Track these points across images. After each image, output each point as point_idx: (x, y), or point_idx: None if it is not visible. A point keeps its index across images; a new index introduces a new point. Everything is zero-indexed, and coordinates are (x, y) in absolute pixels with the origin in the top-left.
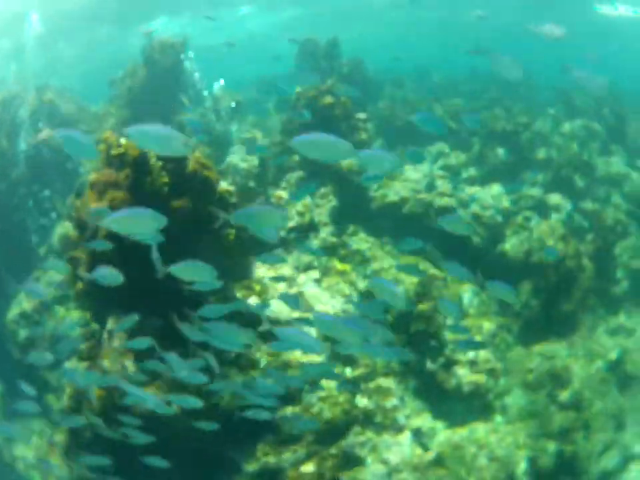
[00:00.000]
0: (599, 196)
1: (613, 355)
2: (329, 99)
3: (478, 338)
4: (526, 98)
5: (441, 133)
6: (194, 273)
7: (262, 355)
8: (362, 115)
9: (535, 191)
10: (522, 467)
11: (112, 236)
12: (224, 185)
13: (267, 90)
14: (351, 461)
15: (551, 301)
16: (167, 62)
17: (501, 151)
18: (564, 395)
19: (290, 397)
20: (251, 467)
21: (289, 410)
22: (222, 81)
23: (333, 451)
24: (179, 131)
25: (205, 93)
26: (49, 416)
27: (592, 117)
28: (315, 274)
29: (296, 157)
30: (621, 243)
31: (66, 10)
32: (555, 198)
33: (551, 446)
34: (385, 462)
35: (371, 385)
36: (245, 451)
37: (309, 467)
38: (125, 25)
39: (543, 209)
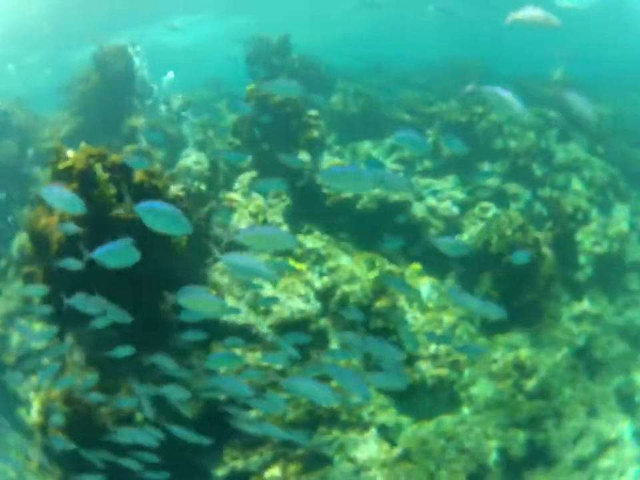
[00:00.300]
0: (558, 183)
1: (580, 342)
2: (279, 97)
3: (437, 332)
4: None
5: (423, 152)
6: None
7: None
8: (313, 112)
9: (492, 181)
10: (492, 457)
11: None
12: (174, 190)
13: (217, 90)
14: (319, 461)
15: (512, 290)
16: (119, 65)
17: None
18: (530, 384)
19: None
20: (220, 472)
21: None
22: (170, 74)
23: (300, 452)
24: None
25: (155, 87)
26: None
27: (550, 105)
28: None
29: (249, 159)
30: (583, 229)
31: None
32: (513, 187)
33: (521, 435)
34: (352, 460)
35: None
36: (212, 457)
37: (274, 471)
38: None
39: (501, 199)
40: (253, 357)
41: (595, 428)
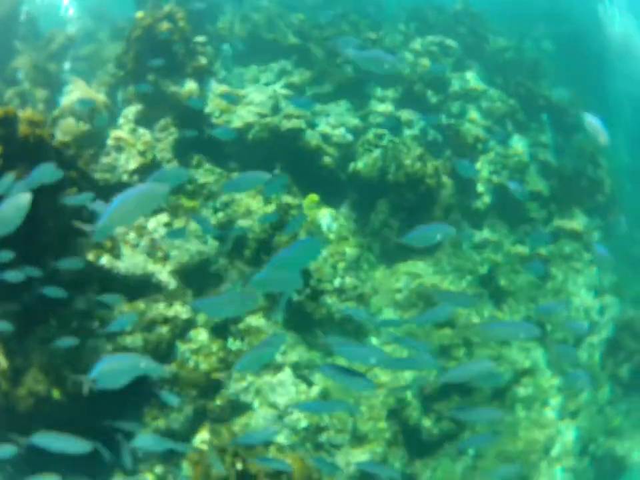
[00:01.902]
0: (453, 112)
1: (484, 269)
2: (166, 25)
3: (341, 265)
4: (375, 15)
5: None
6: None
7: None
8: (201, 39)
9: (384, 107)
10: (410, 391)
11: None
12: (59, 137)
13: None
14: (239, 408)
15: (411, 219)
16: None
17: (347, 68)
18: None
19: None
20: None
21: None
22: (71, 10)
23: (218, 402)
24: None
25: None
26: None
27: (447, 34)
28: (164, 217)
29: (132, 90)
30: (482, 158)
31: None
32: (406, 114)
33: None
34: (273, 405)
35: (241, 325)
36: (134, 420)
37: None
38: None
39: (394, 125)
40: (157, 308)
41: (508, 357)
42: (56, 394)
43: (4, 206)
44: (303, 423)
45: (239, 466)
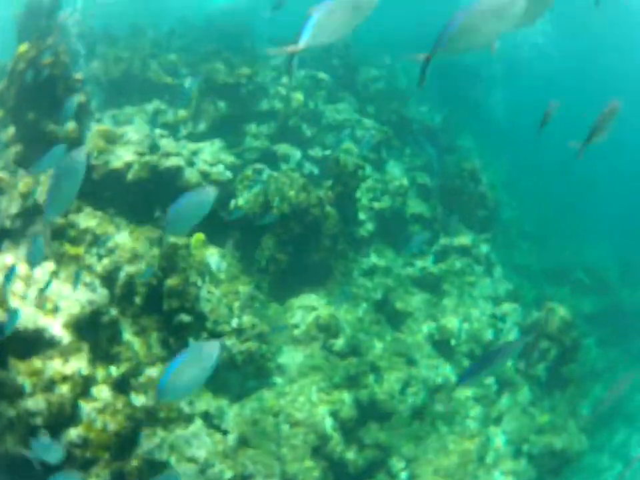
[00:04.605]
0: (328, 143)
1: (377, 295)
2: (49, 59)
3: (236, 304)
4: (249, 50)
5: None
6: None
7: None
8: (79, 75)
9: (260, 143)
10: (328, 423)
11: None
12: None
13: None
14: (156, 467)
15: (299, 252)
16: None
17: (221, 105)
18: (339, 343)
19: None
20: None
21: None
22: None
23: (134, 463)
24: None
25: None
26: None
27: (320, 67)
28: (50, 265)
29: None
30: (361, 185)
31: None
32: (283, 148)
33: (346, 395)
34: (191, 459)
35: (142, 379)
36: None
37: None
38: None
39: (271, 160)
40: (54, 366)
41: (419, 376)
42: None
43: None
44: (228, 474)
45: None
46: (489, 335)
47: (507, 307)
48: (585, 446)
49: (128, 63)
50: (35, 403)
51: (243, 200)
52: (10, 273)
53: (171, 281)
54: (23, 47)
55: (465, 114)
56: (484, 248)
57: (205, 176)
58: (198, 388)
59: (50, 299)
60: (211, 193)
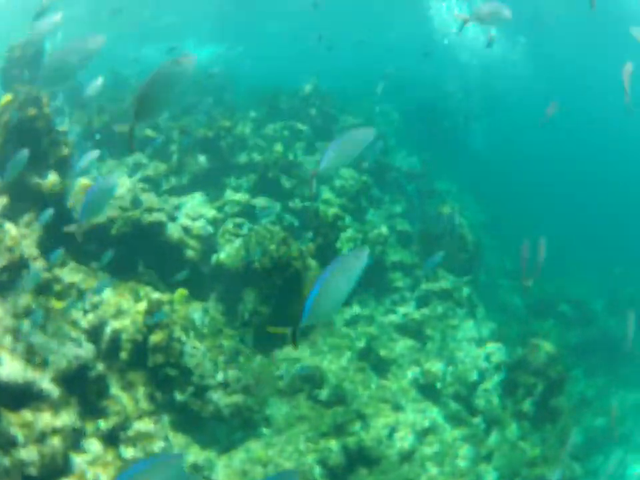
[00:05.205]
0: (307, 194)
1: (361, 343)
2: (33, 111)
3: (221, 358)
4: (228, 101)
5: None
6: None
7: None
8: (63, 127)
9: (240, 196)
10: (316, 471)
11: None
12: None
13: None
14: None
15: (281, 304)
16: None
17: (202, 158)
18: (325, 393)
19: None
20: None
21: None
22: None
23: None
24: None
25: None
26: None
27: (299, 118)
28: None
29: None
30: (341, 235)
31: None
32: (261, 201)
33: (334, 443)
34: None
35: (130, 432)
36: None
37: None
38: None
39: (250, 213)
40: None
41: (406, 421)
42: None
43: None
44: None
45: None
46: (474, 375)
47: (491, 346)
48: (579, 473)
49: (110, 114)
50: (28, 453)
51: (224, 254)
52: None
53: (155, 337)
54: (7, 97)
55: (444, 156)
56: (465, 290)
57: (187, 231)
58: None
59: (38, 353)
60: None
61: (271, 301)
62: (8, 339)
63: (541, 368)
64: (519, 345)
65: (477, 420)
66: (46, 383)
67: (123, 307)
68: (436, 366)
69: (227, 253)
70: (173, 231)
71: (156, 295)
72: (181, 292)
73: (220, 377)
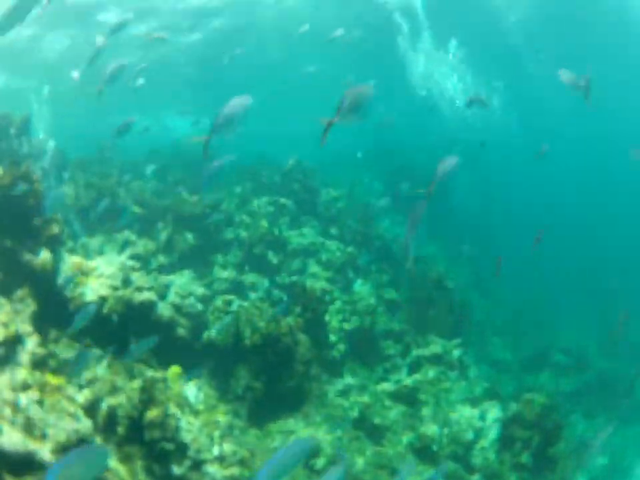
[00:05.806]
0: (294, 268)
1: (354, 413)
2: (23, 186)
3: (217, 433)
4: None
5: None
6: None
7: None
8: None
9: (228, 273)
10: None
11: None
12: None
13: None
14: None
15: (273, 379)
16: None
17: (189, 236)
18: (320, 462)
19: None
20: None
21: None
22: None
23: None
24: None
25: None
26: None
27: (281, 193)
28: (35, 394)
29: None
30: (330, 308)
31: None
32: (250, 277)
33: None
34: None
35: None
36: None
37: None
38: None
39: (240, 290)
40: None
41: None
42: None
43: None
44: None
45: None
46: (469, 435)
47: (485, 405)
48: None
49: (97, 189)
50: None
51: (214, 331)
52: None
53: (151, 413)
54: None
55: (428, 220)
56: (456, 353)
57: (177, 309)
58: None
59: (37, 426)
60: None
61: (263, 376)
62: (7, 411)
63: (535, 420)
64: (512, 400)
65: (475, 477)
66: (46, 454)
67: (116, 384)
68: (431, 429)
69: (217, 330)
70: (164, 309)
71: (149, 373)
72: (174, 369)
73: (216, 450)
